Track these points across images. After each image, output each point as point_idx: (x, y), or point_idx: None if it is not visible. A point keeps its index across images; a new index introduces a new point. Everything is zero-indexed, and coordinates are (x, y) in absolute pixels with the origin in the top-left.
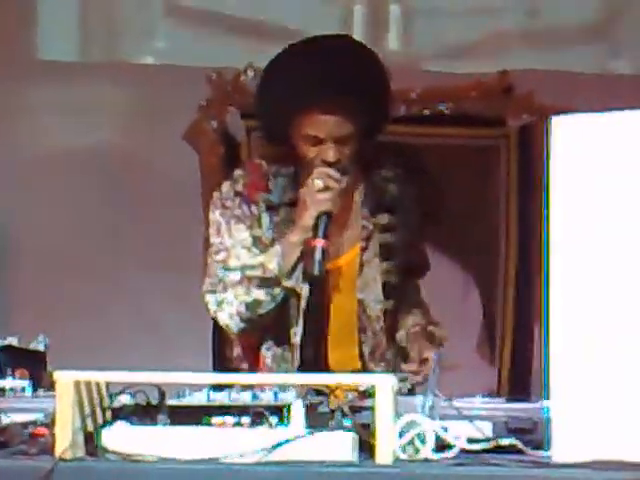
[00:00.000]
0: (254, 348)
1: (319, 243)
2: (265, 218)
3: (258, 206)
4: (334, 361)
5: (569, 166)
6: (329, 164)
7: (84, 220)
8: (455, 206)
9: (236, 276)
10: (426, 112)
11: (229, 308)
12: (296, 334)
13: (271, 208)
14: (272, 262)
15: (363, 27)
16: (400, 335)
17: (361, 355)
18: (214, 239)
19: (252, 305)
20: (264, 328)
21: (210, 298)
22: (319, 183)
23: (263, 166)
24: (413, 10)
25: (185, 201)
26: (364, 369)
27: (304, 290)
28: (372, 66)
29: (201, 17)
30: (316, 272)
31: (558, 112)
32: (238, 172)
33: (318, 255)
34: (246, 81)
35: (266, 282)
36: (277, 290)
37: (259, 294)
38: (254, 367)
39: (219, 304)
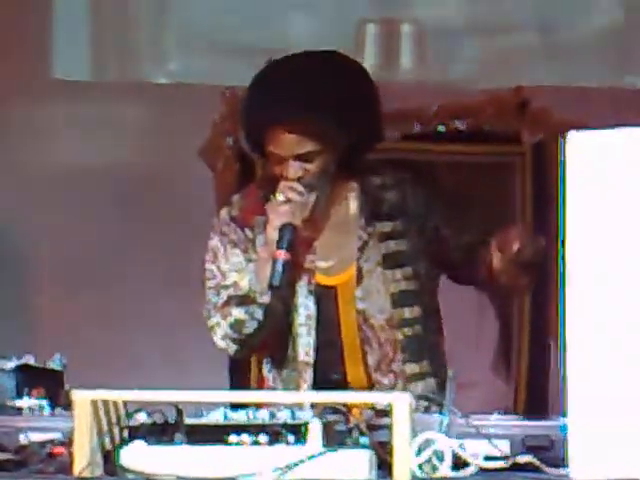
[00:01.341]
0: (257, 370)
1: (280, 255)
2: (260, 241)
3: (253, 230)
4: (352, 377)
5: (584, 182)
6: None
7: (100, 237)
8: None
9: (222, 298)
10: (441, 129)
11: (220, 331)
12: (307, 354)
13: None
14: (244, 280)
15: (376, 45)
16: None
17: (366, 366)
18: (209, 265)
19: (235, 325)
20: (260, 348)
21: (207, 323)
22: (280, 196)
23: (259, 189)
24: (426, 27)
25: (201, 218)
26: (369, 381)
27: (306, 306)
28: (352, 82)
29: (213, 37)
30: (275, 283)
31: (573, 127)
32: (236, 197)
33: (278, 267)
34: None
35: (242, 300)
36: (254, 308)
37: (239, 313)
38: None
39: (212, 328)
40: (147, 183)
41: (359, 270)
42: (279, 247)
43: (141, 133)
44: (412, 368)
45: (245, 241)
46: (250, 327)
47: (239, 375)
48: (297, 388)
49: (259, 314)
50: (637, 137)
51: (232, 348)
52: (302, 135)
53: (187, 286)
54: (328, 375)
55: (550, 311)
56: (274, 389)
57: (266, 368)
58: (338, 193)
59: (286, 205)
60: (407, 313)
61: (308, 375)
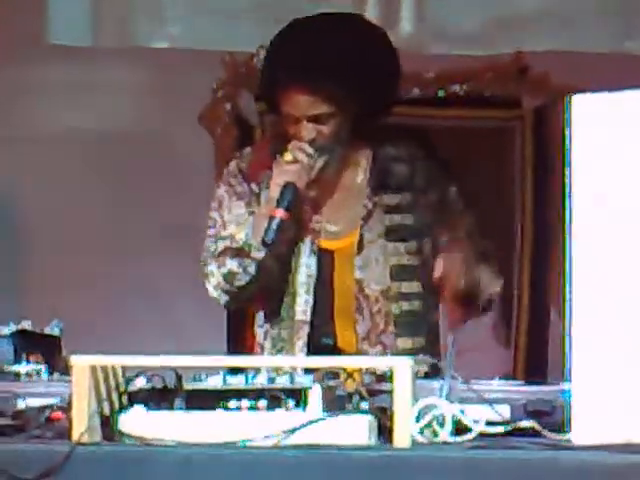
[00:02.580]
0: (247, 326)
1: (277, 213)
2: (265, 196)
3: (259, 184)
4: (343, 342)
5: (590, 145)
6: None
7: (98, 202)
8: (470, 188)
9: (219, 248)
10: (441, 94)
11: (213, 280)
12: (304, 312)
13: None
14: (241, 233)
15: (376, 10)
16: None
17: (356, 334)
18: (213, 213)
19: (227, 277)
20: (250, 302)
21: (201, 270)
22: (288, 156)
23: (270, 145)
24: None
25: (200, 184)
26: (356, 351)
27: (308, 266)
28: (371, 47)
29: (214, 2)
30: (267, 240)
31: (573, 93)
32: (247, 150)
33: (273, 224)
34: (259, 63)
35: (237, 253)
36: (247, 262)
37: (232, 265)
38: (247, 347)
39: (206, 276)
40: (146, 148)
41: (361, 238)
42: (278, 205)
43: (140, 98)
44: (405, 343)
45: (250, 194)
46: (242, 280)
47: (237, 341)
48: (289, 346)
49: (252, 268)
50: None
51: (223, 299)
52: (316, 96)
53: (185, 251)
54: (319, 338)
55: (550, 276)
56: (261, 346)
57: (257, 323)
58: (351, 158)
59: (293, 165)
60: (405, 287)
61: (303, 333)
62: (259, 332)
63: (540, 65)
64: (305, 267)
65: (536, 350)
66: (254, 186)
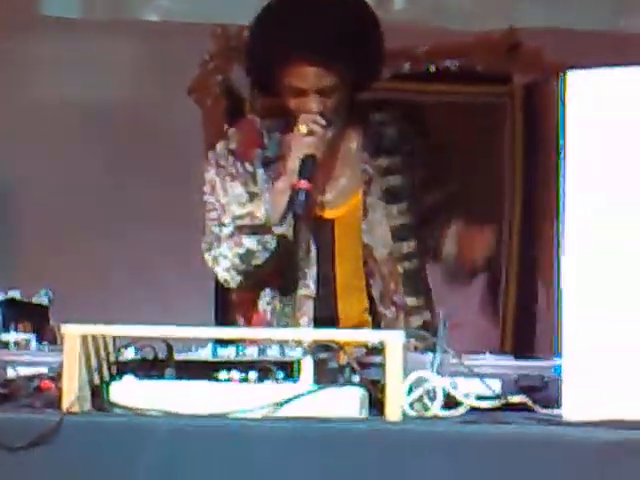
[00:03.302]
0: (250, 304)
1: (303, 185)
2: (261, 174)
3: (253, 163)
4: (344, 313)
5: (584, 121)
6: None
7: (87, 174)
8: (460, 162)
9: (229, 229)
10: (432, 69)
11: (225, 262)
12: (308, 286)
13: (267, 164)
14: (260, 210)
15: None
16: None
17: (371, 299)
18: (208, 197)
19: (246, 256)
20: (261, 281)
21: (207, 256)
22: (303, 128)
23: (257, 122)
24: None
25: (189, 156)
26: (374, 313)
27: (308, 239)
28: (364, 19)
29: None
30: (299, 211)
31: (565, 70)
32: (232, 130)
33: (301, 196)
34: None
35: (256, 230)
36: (268, 238)
37: (251, 244)
38: (249, 324)
39: (215, 259)
40: (136, 121)
41: (365, 204)
42: (302, 177)
43: (130, 70)
44: (412, 301)
45: (245, 174)
46: (261, 257)
47: (224, 314)
48: (293, 322)
49: (272, 245)
50: (638, 76)
51: (236, 280)
52: (322, 68)
53: (172, 223)
54: (319, 311)
55: (538, 250)
56: (269, 324)
57: (264, 301)
58: (345, 129)
59: (309, 137)
60: (405, 247)
61: (308, 308)
62: (267, 309)
63: (533, 41)
64: (306, 241)
65: (524, 324)
66: (248, 165)
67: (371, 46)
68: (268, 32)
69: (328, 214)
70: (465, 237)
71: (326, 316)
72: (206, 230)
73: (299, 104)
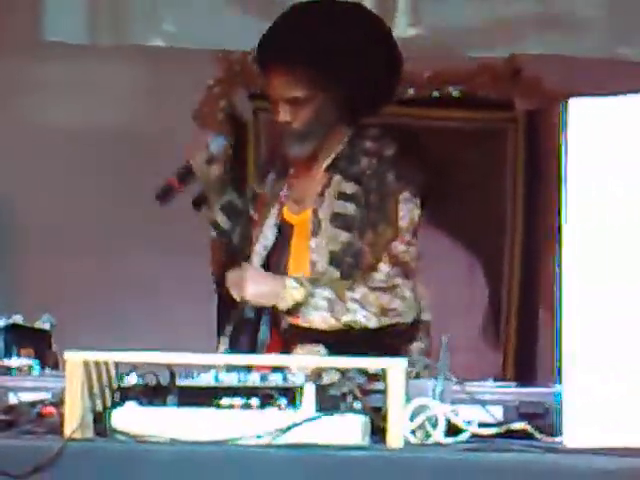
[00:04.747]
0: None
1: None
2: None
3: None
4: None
5: (585, 149)
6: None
7: (91, 200)
8: (461, 188)
9: None
10: (435, 95)
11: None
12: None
13: None
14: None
15: (372, 9)
16: None
17: None
18: None
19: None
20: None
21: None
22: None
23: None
24: None
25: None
26: None
27: (266, 237)
28: (367, 36)
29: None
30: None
31: (566, 96)
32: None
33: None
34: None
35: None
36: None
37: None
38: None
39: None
40: (140, 147)
41: (315, 218)
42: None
43: (136, 96)
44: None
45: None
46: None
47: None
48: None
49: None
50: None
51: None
52: (289, 78)
53: (178, 250)
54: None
55: (540, 277)
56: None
57: None
58: (332, 140)
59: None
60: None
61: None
62: None
63: (534, 68)
64: (263, 238)
65: (525, 350)
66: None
67: (370, 63)
68: (262, 38)
69: (291, 218)
70: None
71: (248, 317)
72: None
73: (274, 113)
